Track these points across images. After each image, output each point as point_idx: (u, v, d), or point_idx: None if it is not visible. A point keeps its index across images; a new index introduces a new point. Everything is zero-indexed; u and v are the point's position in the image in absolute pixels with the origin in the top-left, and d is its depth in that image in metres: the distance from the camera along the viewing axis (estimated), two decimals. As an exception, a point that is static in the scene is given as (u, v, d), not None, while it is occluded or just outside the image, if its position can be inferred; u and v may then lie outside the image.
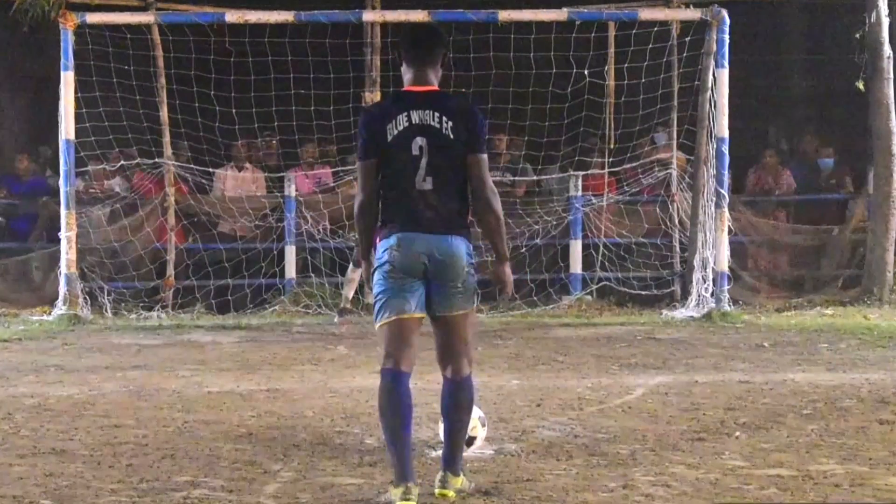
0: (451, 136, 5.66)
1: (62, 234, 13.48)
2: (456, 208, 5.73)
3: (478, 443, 6.72)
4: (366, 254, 5.87)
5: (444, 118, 5.67)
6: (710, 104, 13.61)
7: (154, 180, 14.48)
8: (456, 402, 5.79)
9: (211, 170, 14.75)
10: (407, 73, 5.84)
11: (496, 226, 5.75)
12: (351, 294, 12.99)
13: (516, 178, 14.89)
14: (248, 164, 15.07)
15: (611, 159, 14.67)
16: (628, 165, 14.67)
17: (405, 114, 5.68)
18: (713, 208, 13.58)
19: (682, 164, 14.62)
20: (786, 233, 15.29)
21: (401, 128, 5.67)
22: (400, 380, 5.65)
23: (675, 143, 14.67)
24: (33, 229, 15.22)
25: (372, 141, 5.70)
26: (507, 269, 5.86)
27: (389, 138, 5.67)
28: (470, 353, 5.81)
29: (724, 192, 13.56)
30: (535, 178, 15.04)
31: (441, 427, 6.09)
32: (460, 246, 5.70)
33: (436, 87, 5.83)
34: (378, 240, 5.74)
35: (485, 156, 5.71)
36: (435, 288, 5.70)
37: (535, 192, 15.10)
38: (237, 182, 14.98)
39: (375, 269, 5.73)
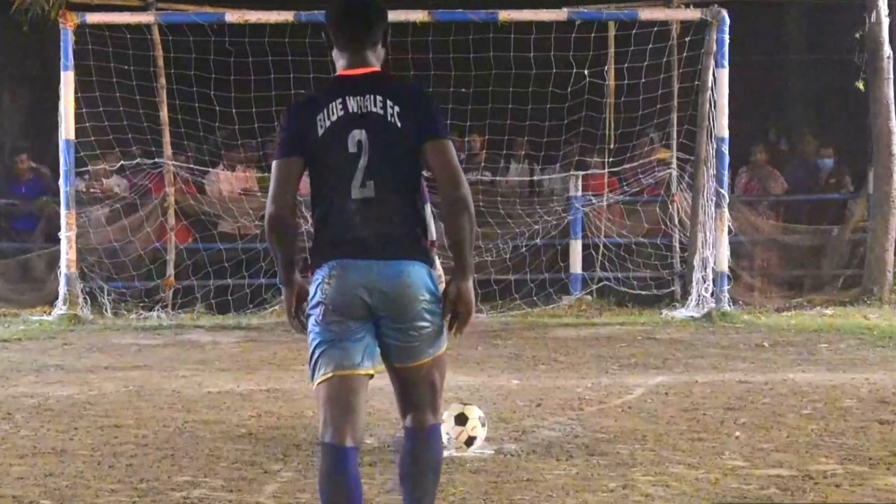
0: (399, 125, 4.40)
1: (62, 234, 13.48)
2: (408, 222, 4.44)
3: (478, 443, 6.73)
4: (287, 276, 4.54)
5: (389, 102, 4.42)
6: (710, 104, 13.61)
7: (155, 180, 14.47)
8: (417, 462, 4.54)
9: (210, 170, 14.76)
10: (340, 59, 4.57)
11: (468, 230, 4.41)
12: None
13: (497, 178, 14.85)
14: (239, 164, 15.03)
15: (611, 159, 14.68)
16: (628, 165, 14.67)
17: (339, 100, 4.43)
18: (713, 208, 13.58)
19: (666, 158, 14.64)
20: (786, 233, 15.29)
21: (334, 118, 4.42)
22: (344, 459, 4.39)
23: (675, 142, 14.65)
24: (35, 229, 15.22)
25: (296, 135, 4.46)
26: (471, 288, 4.48)
27: (320, 132, 4.42)
28: (437, 400, 4.59)
29: (724, 192, 13.56)
30: (528, 178, 15.04)
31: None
32: (416, 274, 4.41)
33: (377, 68, 4.56)
34: (311, 272, 4.52)
35: (448, 141, 4.48)
36: (385, 330, 4.43)
37: (535, 192, 15.10)
38: (230, 182, 14.94)
39: (309, 313, 4.48)
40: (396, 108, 4.42)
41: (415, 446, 4.56)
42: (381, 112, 4.42)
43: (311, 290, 4.45)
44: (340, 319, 4.39)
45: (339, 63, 4.57)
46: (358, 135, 4.40)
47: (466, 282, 4.47)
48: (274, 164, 4.50)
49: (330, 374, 4.40)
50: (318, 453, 4.67)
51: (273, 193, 4.45)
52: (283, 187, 4.46)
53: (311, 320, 4.45)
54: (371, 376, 4.47)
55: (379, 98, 4.43)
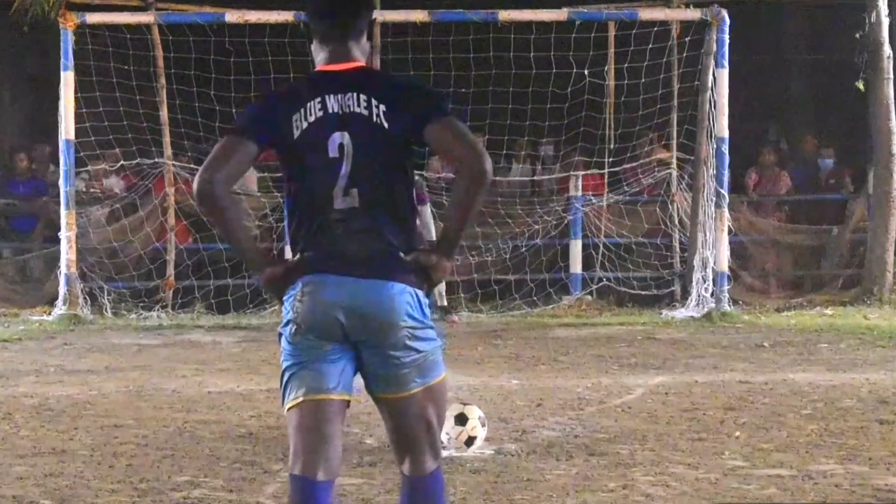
0: (386, 126, 3.92)
1: (62, 234, 13.48)
2: (397, 236, 3.95)
3: (478, 443, 6.73)
4: (251, 255, 4.11)
5: (374, 100, 3.94)
6: (710, 104, 13.62)
7: (155, 180, 14.47)
8: None
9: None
10: (320, 52, 4.08)
11: (475, 208, 3.94)
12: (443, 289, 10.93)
13: (498, 178, 14.85)
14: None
15: (611, 159, 14.69)
16: (627, 165, 14.68)
17: (318, 100, 3.95)
18: (713, 208, 13.58)
19: (666, 159, 14.67)
20: (786, 233, 15.30)
21: (311, 119, 3.94)
22: (314, 493, 3.96)
23: (675, 142, 14.65)
24: (34, 229, 15.23)
25: (262, 122, 3.99)
26: (446, 267, 4.00)
27: (296, 134, 3.94)
28: (436, 440, 4.06)
29: (724, 192, 13.57)
30: (529, 178, 15.05)
31: None
32: (399, 297, 3.91)
33: (361, 63, 4.07)
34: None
35: (454, 117, 3.94)
36: (366, 357, 3.95)
37: (535, 192, 15.11)
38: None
39: (280, 331, 4.04)
40: (382, 107, 3.94)
41: (414, 497, 4.04)
42: (365, 112, 3.94)
43: (284, 306, 4.00)
44: (313, 341, 3.93)
45: (320, 57, 4.09)
46: (339, 138, 3.93)
47: (448, 259, 4.00)
48: (221, 139, 4.00)
49: (300, 399, 3.93)
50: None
51: (205, 165, 3.92)
52: (220, 163, 3.93)
53: (283, 340, 4.01)
54: (348, 404, 4.00)
55: (363, 96, 3.95)
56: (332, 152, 3.93)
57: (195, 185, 3.91)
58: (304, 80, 4.12)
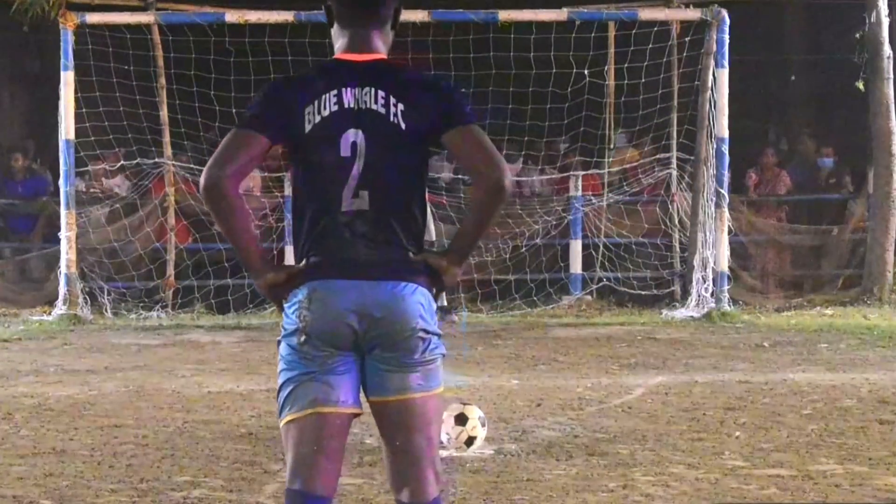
0: (403, 127, 3.69)
1: (62, 234, 13.48)
2: (407, 239, 3.75)
3: (478, 443, 6.73)
4: (252, 259, 3.76)
5: (393, 98, 3.70)
6: (710, 104, 13.62)
7: (155, 180, 14.47)
8: None
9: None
10: (340, 38, 3.81)
11: (491, 223, 3.80)
12: None
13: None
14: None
15: (611, 159, 14.70)
16: (628, 165, 14.69)
17: (334, 92, 3.70)
18: (713, 208, 13.59)
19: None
20: (786, 233, 15.30)
21: (325, 113, 3.69)
22: None
23: (675, 142, 14.65)
24: (34, 229, 15.24)
25: (272, 118, 3.72)
26: (456, 273, 3.81)
27: (308, 127, 3.69)
28: (436, 460, 3.81)
29: (724, 192, 13.57)
30: (528, 178, 15.06)
31: None
32: (412, 298, 3.71)
33: (382, 55, 3.80)
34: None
35: (477, 126, 3.77)
36: (374, 359, 3.73)
37: (535, 192, 15.11)
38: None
39: (281, 339, 3.77)
40: (401, 106, 3.69)
41: None
42: (381, 111, 3.68)
43: (287, 313, 3.74)
44: (323, 350, 3.68)
45: (339, 43, 3.81)
46: (353, 136, 3.68)
47: (458, 266, 3.80)
48: (230, 132, 3.74)
49: (309, 411, 3.68)
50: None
51: (213, 159, 3.66)
52: (229, 157, 3.67)
53: (284, 348, 3.74)
54: (355, 416, 3.79)
55: (381, 93, 3.69)
56: (345, 151, 3.68)
57: (202, 180, 3.66)
58: (319, 69, 3.82)
